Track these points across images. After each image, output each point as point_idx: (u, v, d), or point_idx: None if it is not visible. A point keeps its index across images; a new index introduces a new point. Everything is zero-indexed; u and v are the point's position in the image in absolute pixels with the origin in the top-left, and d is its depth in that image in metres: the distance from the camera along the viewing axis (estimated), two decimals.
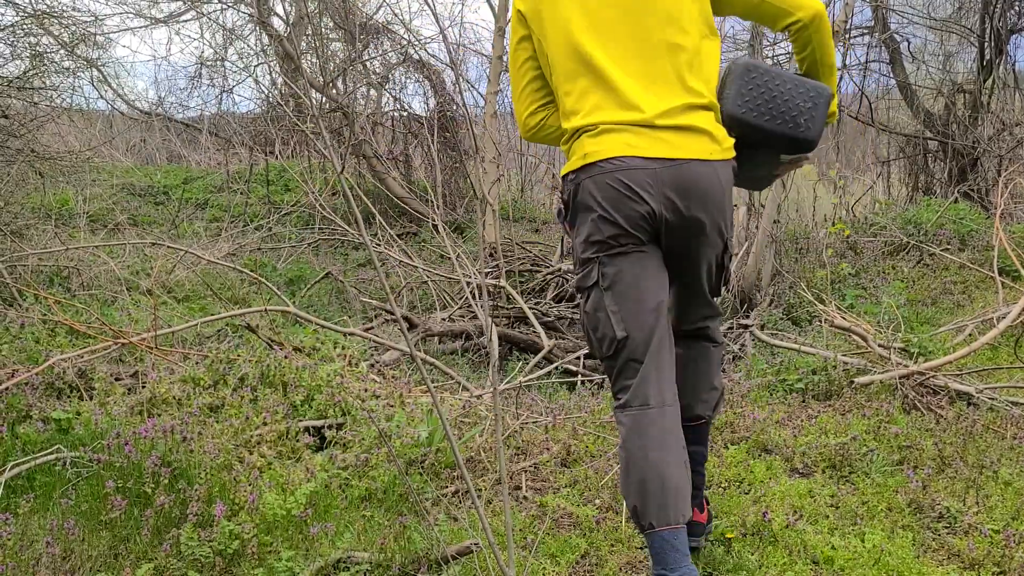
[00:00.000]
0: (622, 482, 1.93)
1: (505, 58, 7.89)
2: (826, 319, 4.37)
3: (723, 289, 2.35)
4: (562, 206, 2.06)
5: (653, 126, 1.89)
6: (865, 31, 9.19)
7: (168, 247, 6.20)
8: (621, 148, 1.89)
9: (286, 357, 3.46)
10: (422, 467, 2.74)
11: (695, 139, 1.91)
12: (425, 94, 9.88)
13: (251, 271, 5.74)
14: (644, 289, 1.93)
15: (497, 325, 5.44)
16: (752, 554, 2.25)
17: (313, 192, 7.24)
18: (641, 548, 2.33)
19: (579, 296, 2.06)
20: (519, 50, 2.07)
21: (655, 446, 1.87)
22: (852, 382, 3.60)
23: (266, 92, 9.88)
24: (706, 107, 1.95)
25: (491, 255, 6.55)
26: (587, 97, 1.95)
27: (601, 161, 1.89)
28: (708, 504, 2.28)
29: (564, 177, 2.01)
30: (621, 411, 1.94)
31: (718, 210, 1.94)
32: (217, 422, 2.93)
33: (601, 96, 1.93)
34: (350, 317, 5.86)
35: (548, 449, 2.99)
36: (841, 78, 9.05)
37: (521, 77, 2.09)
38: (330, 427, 3.07)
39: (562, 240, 7.06)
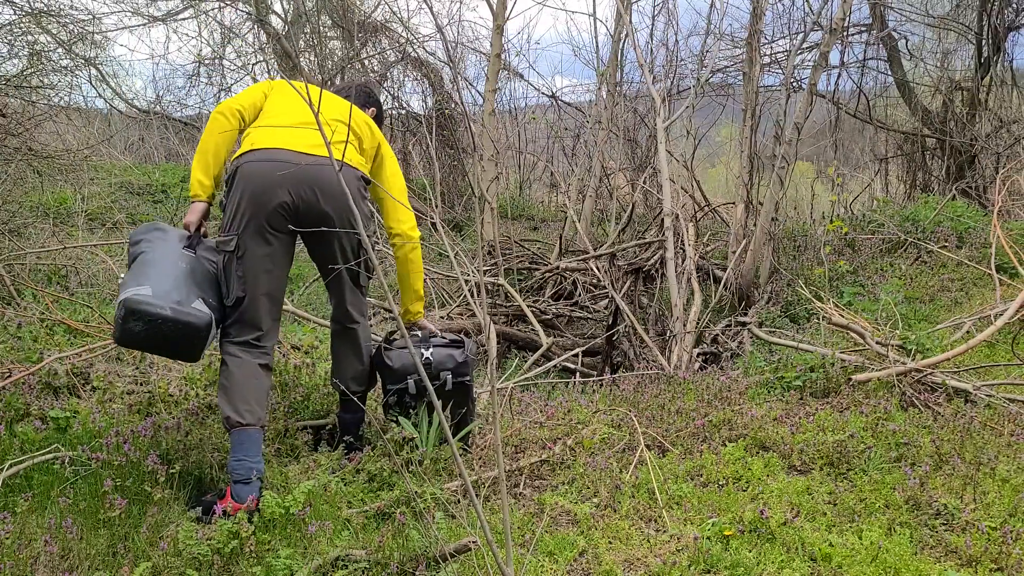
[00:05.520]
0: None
1: (504, 56, 7.88)
2: (824, 316, 4.37)
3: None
4: None
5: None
6: (863, 28, 9.19)
7: None
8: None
9: (284, 356, 3.46)
10: (420, 465, 2.74)
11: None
12: (423, 92, 9.90)
13: None
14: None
15: (495, 323, 5.44)
16: (750, 551, 2.26)
17: None
18: (641, 546, 2.33)
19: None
20: None
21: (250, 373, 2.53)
22: (850, 379, 3.60)
23: None
24: None
25: (489, 253, 6.55)
26: None
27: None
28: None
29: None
30: (230, 343, 2.52)
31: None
32: (216, 422, 2.93)
33: None
34: None
35: (546, 447, 3.00)
36: (839, 75, 9.07)
37: None
38: (326, 427, 3.07)
39: (560, 238, 7.06)
